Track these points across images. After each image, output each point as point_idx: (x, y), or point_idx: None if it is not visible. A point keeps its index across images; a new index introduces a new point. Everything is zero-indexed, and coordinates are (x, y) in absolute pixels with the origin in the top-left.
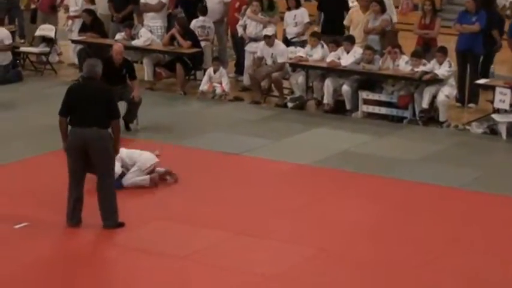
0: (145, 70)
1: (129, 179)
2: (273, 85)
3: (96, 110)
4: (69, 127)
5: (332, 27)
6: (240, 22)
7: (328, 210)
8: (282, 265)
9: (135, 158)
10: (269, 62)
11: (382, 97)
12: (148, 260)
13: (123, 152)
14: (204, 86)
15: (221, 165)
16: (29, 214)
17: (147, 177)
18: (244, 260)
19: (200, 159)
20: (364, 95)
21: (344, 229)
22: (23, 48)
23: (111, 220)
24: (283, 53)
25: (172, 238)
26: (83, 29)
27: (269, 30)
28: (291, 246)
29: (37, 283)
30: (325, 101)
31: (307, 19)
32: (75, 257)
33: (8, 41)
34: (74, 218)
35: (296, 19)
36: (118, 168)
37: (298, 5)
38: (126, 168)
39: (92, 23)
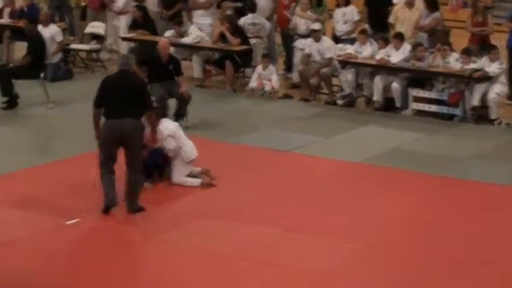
0: (194, 67)
1: (177, 176)
2: (322, 82)
3: (131, 101)
4: (103, 118)
5: (375, 24)
6: (291, 21)
7: (378, 207)
8: (332, 262)
9: (182, 142)
10: (317, 58)
11: (432, 94)
12: (198, 257)
13: (176, 127)
14: (253, 83)
15: (270, 163)
16: (80, 211)
17: (198, 180)
18: (294, 256)
19: (249, 156)
20: (414, 92)
21: (393, 226)
22: (73, 46)
23: (135, 205)
24: (330, 49)
25: (222, 235)
26: (133, 26)
27: (316, 25)
28: (340, 243)
29: (88, 279)
30: (374, 98)
31: (356, 17)
32: (124, 254)
33: (59, 38)
34: (111, 200)
35: (345, 17)
36: (173, 144)
37: (347, 3)
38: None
39: (142, 20)
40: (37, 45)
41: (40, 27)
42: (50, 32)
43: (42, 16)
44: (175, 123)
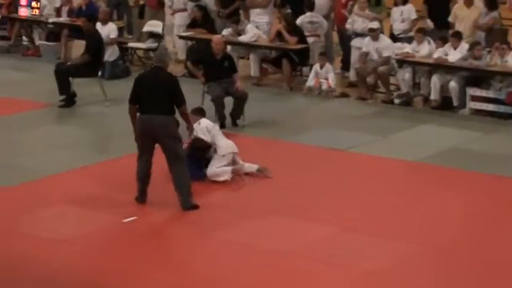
0: (251, 66)
1: (212, 166)
2: (379, 81)
3: (163, 97)
4: (138, 114)
5: (436, 22)
6: (349, 20)
7: (434, 206)
8: (389, 261)
9: (217, 140)
10: (374, 56)
11: (490, 93)
12: (256, 255)
13: (210, 125)
14: (310, 82)
15: (327, 161)
16: (137, 209)
17: (229, 169)
18: (351, 255)
19: (306, 155)
20: (471, 91)
21: (451, 226)
22: (130, 44)
23: (189, 202)
24: (388, 47)
25: (280, 233)
26: (192, 25)
27: (374, 24)
28: (397, 242)
29: (144, 277)
30: (432, 97)
31: (414, 15)
32: (181, 252)
33: (113, 35)
34: (142, 196)
35: (403, 15)
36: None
37: (405, 1)
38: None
39: (202, 19)
40: (95, 43)
41: (98, 25)
42: (107, 30)
43: (101, 14)
44: (213, 124)
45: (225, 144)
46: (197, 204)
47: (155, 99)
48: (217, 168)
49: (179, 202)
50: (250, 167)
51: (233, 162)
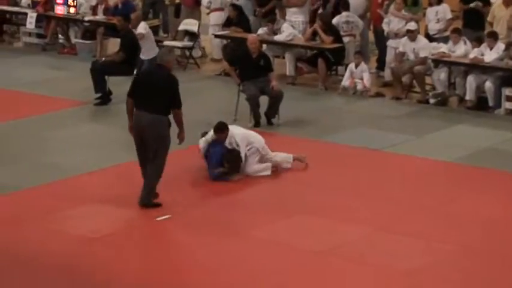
0: (287, 65)
1: (251, 164)
2: (414, 81)
3: (157, 97)
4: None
5: (472, 22)
6: (385, 20)
7: (470, 207)
8: (422, 261)
9: (250, 138)
10: (411, 57)
11: None
12: (290, 254)
13: (238, 135)
14: (345, 82)
15: (362, 161)
16: (171, 206)
17: (269, 165)
18: (384, 255)
19: (341, 155)
20: (507, 91)
21: (486, 227)
22: (166, 43)
23: (146, 199)
24: (424, 48)
25: (314, 233)
26: (227, 24)
27: (412, 25)
28: (431, 242)
29: (178, 274)
30: (467, 97)
31: (449, 15)
32: (215, 250)
33: (141, 29)
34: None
35: (438, 15)
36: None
37: (440, 1)
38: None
39: (237, 18)
40: (129, 41)
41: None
42: (138, 30)
43: (133, 20)
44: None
45: (259, 139)
46: (157, 203)
47: (149, 98)
48: (256, 165)
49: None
50: (286, 158)
51: (260, 154)
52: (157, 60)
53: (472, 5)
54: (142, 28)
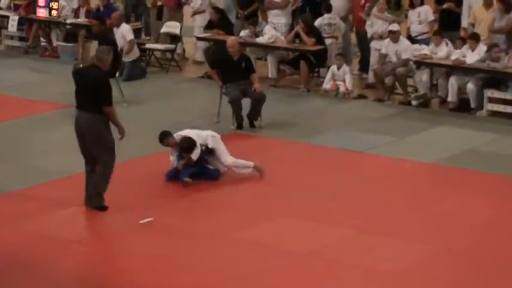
0: (269, 67)
1: (223, 153)
2: (396, 82)
3: (91, 96)
4: None
5: (448, 23)
6: (368, 22)
7: (452, 209)
8: (405, 263)
9: (220, 150)
10: (393, 59)
11: (508, 95)
12: (273, 256)
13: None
14: (327, 85)
15: (344, 163)
16: (154, 210)
17: (251, 163)
18: (367, 257)
19: (323, 157)
20: (489, 93)
21: (468, 228)
22: (148, 45)
23: (94, 201)
24: (407, 49)
25: (296, 235)
26: (209, 26)
27: (394, 26)
28: (414, 244)
29: (162, 278)
30: (449, 99)
31: (431, 17)
32: (199, 253)
33: (129, 36)
34: (89, 201)
35: (420, 17)
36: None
37: (422, 3)
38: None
39: (219, 21)
40: (107, 45)
41: (114, 29)
42: (121, 31)
43: (114, 20)
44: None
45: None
46: (104, 206)
47: (82, 96)
48: (238, 159)
49: (87, 199)
50: (246, 164)
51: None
52: (94, 59)
53: (445, 5)
54: (130, 34)
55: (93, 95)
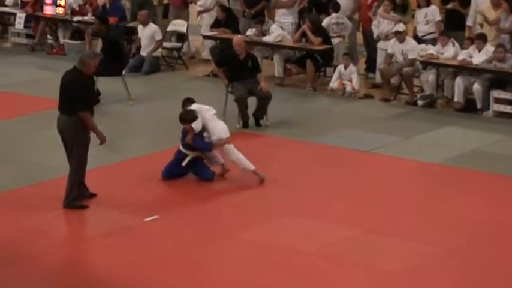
0: (275, 66)
1: (217, 126)
2: (403, 82)
3: (66, 98)
4: None
5: (453, 23)
6: (374, 22)
7: (457, 209)
8: (408, 263)
9: (210, 128)
10: (399, 59)
11: None
12: (277, 255)
13: (202, 107)
14: (333, 84)
15: (350, 162)
16: (158, 208)
17: (252, 167)
18: (372, 256)
19: (329, 156)
20: (495, 93)
21: (472, 229)
22: None
23: (67, 201)
24: (413, 49)
25: (301, 234)
26: (215, 25)
27: (400, 26)
28: (418, 244)
29: (165, 276)
30: (455, 99)
31: (438, 17)
32: (202, 251)
33: (158, 36)
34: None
35: (427, 17)
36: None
37: (428, 3)
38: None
39: (225, 19)
40: (109, 43)
41: (140, 27)
42: (150, 31)
43: (141, 16)
44: (208, 107)
45: (219, 131)
46: (83, 204)
47: (61, 99)
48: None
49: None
50: (248, 164)
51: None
52: (77, 62)
53: (449, 5)
54: (158, 34)
55: (68, 98)
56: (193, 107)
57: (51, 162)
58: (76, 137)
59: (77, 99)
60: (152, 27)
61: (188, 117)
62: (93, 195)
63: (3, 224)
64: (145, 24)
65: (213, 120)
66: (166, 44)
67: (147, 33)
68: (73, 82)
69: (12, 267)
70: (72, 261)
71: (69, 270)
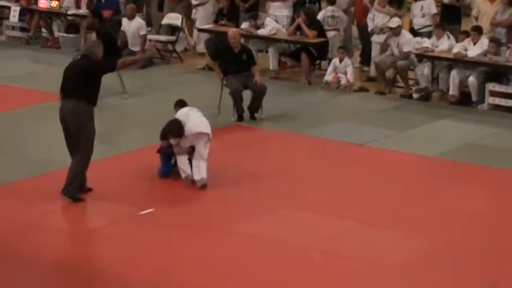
0: (270, 59)
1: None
2: (398, 75)
3: (78, 84)
4: None
5: (448, 16)
6: (369, 15)
7: (452, 202)
8: (404, 255)
9: (190, 119)
10: (395, 52)
11: (509, 89)
12: (272, 248)
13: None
14: (328, 77)
15: (345, 156)
16: (154, 201)
17: (204, 177)
18: (367, 249)
19: (324, 149)
20: (490, 86)
21: (468, 221)
22: (149, 37)
23: (66, 190)
24: (408, 42)
25: (296, 227)
26: (219, 15)
27: (393, 22)
28: (414, 236)
29: (161, 268)
30: (450, 92)
31: (434, 10)
32: (198, 244)
33: (142, 31)
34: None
35: (423, 10)
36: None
37: None
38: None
39: (228, 9)
40: (103, 37)
41: (125, 20)
42: (135, 25)
43: (128, 10)
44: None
45: (191, 123)
46: (78, 197)
47: (70, 86)
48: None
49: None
50: (202, 172)
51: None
52: (83, 51)
53: (446, 0)
54: (143, 29)
55: (83, 84)
56: (184, 110)
57: (49, 155)
58: (83, 123)
59: (104, 68)
60: (138, 21)
61: (179, 129)
62: (89, 190)
63: (1, 218)
64: (131, 18)
65: (196, 117)
66: (160, 38)
67: (133, 28)
68: (89, 65)
69: (12, 260)
70: (70, 254)
71: (67, 264)
